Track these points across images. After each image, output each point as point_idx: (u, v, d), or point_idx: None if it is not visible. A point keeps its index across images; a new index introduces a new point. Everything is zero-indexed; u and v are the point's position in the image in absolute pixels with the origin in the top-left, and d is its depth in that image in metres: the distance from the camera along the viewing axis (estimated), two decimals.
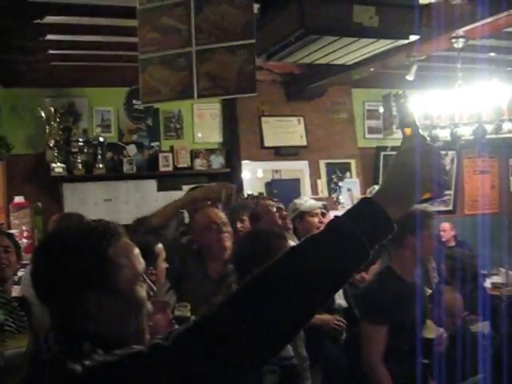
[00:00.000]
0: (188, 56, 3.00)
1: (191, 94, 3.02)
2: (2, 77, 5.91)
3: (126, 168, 6.34)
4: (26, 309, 3.00)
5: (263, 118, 6.89)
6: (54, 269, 1.33)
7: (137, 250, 1.43)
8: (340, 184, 6.74)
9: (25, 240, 5.72)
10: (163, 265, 2.90)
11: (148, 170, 6.52)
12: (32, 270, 1.39)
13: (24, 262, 4.06)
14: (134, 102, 6.22)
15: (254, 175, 6.76)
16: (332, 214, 4.82)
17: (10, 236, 3.11)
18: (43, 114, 6.14)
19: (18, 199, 5.97)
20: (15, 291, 3.53)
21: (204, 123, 6.90)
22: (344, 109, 7.28)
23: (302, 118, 7.01)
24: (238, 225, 4.09)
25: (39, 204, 6.10)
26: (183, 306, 2.65)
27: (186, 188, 6.59)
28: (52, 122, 6.17)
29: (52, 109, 6.18)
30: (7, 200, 6.03)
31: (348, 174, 7.01)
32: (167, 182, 6.61)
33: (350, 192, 6.74)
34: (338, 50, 3.31)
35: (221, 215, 3.34)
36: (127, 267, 1.37)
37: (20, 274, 3.82)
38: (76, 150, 6.18)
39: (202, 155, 6.71)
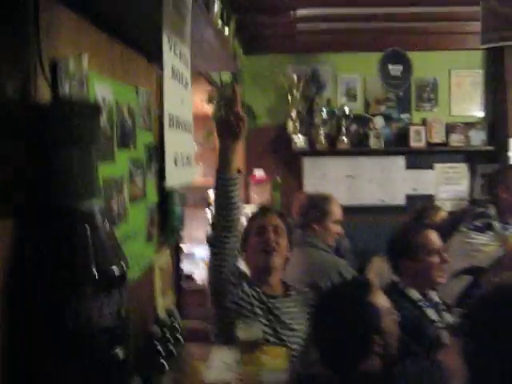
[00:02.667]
0: None
1: None
2: (244, 43, 5.58)
3: (372, 142, 5.65)
4: None
5: None
6: None
7: None
8: None
9: None
10: None
11: (396, 145, 5.75)
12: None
13: None
14: (390, 66, 5.48)
15: None
16: None
17: (282, 216, 2.53)
18: (285, 83, 5.71)
19: (258, 173, 5.64)
20: None
21: (463, 92, 5.89)
22: None
23: None
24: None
25: (278, 178, 5.71)
26: None
27: (438, 166, 5.81)
28: (294, 91, 5.70)
29: (295, 76, 5.71)
30: (247, 173, 5.73)
31: None
32: (418, 159, 5.81)
33: None
34: None
35: None
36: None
37: None
38: (319, 121, 5.65)
39: (460, 130, 5.75)
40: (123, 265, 0.99)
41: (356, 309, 1.88)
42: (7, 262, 0.93)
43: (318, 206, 3.34)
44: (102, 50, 1.41)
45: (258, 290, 2.31)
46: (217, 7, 1.88)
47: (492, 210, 3.37)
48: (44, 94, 1.06)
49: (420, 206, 4.57)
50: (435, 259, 2.55)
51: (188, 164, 1.31)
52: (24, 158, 0.94)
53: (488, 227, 3.31)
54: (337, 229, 3.33)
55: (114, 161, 1.47)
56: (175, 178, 1.23)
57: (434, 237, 2.62)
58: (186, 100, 1.30)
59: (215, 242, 2.19)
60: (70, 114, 0.94)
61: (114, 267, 0.96)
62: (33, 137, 0.93)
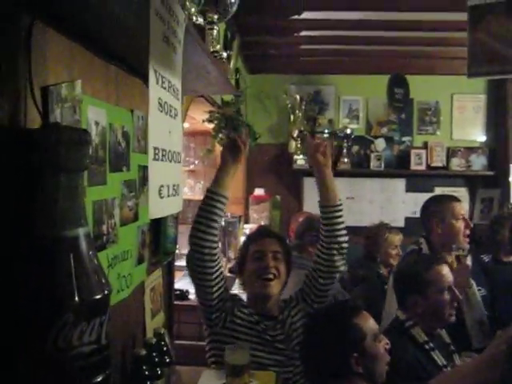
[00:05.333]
0: None
1: None
2: (248, 62, 5.61)
3: (373, 164, 5.68)
4: None
5: None
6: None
7: None
8: None
9: None
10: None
11: (397, 167, 5.79)
12: None
13: None
14: (396, 90, 5.49)
15: None
16: None
17: (281, 240, 2.39)
18: (288, 102, 5.74)
19: (258, 191, 5.64)
20: None
21: (464, 117, 5.93)
22: None
23: None
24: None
25: (278, 197, 5.72)
26: None
27: (438, 190, 5.79)
28: (297, 111, 5.74)
29: (297, 96, 5.75)
30: (247, 191, 5.74)
31: None
32: (418, 182, 5.81)
33: None
34: None
35: None
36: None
37: None
38: None
39: (461, 154, 5.78)
40: (106, 291, 1.00)
41: (338, 329, 1.89)
42: None
43: (314, 227, 3.28)
44: (97, 74, 1.42)
45: (250, 311, 2.26)
46: (215, 32, 1.88)
47: (424, 246, 3.07)
48: (34, 119, 1.07)
49: (374, 227, 4.50)
50: (446, 297, 2.35)
51: (175, 194, 1.30)
52: (10, 185, 0.95)
53: None
54: None
55: (105, 184, 1.48)
56: (159, 210, 1.23)
57: (446, 272, 2.40)
58: (175, 130, 1.29)
59: (193, 240, 2.14)
60: (57, 141, 0.95)
61: (97, 295, 0.97)
62: (19, 163, 0.94)
